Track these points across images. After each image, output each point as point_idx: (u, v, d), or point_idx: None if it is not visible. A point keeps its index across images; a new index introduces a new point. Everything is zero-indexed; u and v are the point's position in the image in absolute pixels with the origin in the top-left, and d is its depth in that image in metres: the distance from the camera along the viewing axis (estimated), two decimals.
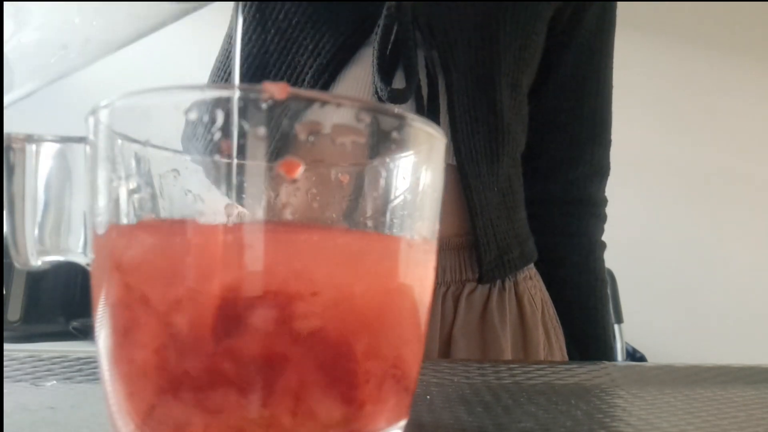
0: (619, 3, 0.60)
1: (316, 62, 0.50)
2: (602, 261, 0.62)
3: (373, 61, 0.48)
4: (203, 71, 0.61)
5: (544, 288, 0.61)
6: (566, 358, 0.61)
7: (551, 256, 0.61)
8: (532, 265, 0.61)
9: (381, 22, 0.48)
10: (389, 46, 0.48)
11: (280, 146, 0.17)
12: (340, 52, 0.50)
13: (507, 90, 0.53)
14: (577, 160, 0.61)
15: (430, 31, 0.49)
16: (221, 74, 0.58)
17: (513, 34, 0.52)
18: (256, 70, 0.54)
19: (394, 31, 0.48)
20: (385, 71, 0.48)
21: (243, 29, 0.55)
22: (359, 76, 0.50)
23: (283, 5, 0.52)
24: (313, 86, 0.50)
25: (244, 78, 0.55)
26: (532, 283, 0.59)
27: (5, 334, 1.08)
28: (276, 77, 0.53)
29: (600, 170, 0.62)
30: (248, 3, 0.54)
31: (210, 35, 0.61)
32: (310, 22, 0.51)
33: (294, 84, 0.51)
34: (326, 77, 0.50)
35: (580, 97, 0.59)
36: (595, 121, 0.60)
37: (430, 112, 0.49)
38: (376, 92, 0.48)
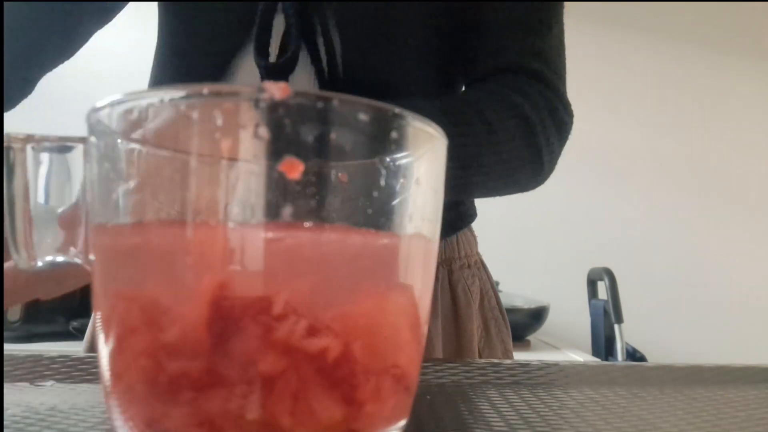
0: (619, 3, 0.59)
1: (210, 56, 0.50)
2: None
3: (253, 39, 0.46)
4: None
5: (487, 277, 0.59)
6: (509, 351, 0.58)
7: None
8: (474, 253, 0.58)
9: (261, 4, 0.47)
10: (272, 19, 0.47)
11: (280, 146, 0.17)
12: (230, 39, 0.49)
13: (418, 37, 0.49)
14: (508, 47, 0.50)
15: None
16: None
17: None
18: (165, 70, 0.55)
19: (277, 6, 0.47)
20: (265, 46, 0.46)
21: (160, 29, 0.56)
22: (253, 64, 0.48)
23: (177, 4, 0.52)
24: (210, 77, 0.49)
25: (156, 80, 0.55)
26: (469, 272, 0.56)
27: (5, 334, 1.07)
28: (180, 76, 0.52)
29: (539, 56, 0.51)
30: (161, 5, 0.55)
31: None
32: (200, 16, 0.50)
33: (192, 78, 0.50)
34: (220, 66, 0.49)
35: None
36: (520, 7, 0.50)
37: (332, 78, 0.47)
38: (259, 72, 0.46)
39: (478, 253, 0.60)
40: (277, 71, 0.46)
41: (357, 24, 0.48)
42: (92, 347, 0.53)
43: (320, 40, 0.47)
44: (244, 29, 0.48)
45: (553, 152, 0.50)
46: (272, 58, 0.47)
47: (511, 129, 0.46)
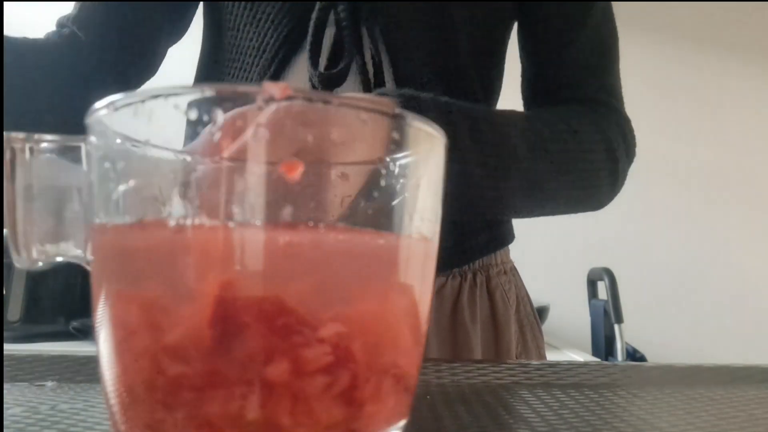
0: (619, 3, 0.59)
1: (261, 59, 0.51)
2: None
3: (307, 49, 0.48)
4: None
5: (521, 284, 0.60)
6: (543, 357, 0.59)
7: None
8: (509, 259, 0.59)
9: (316, 9, 0.48)
10: (324, 31, 0.48)
11: (280, 146, 0.17)
12: (283, 46, 0.50)
13: (467, 52, 0.51)
14: (580, 85, 0.54)
15: (372, 11, 0.49)
16: (200, 73, 0.59)
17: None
18: (211, 68, 0.56)
19: (332, 15, 0.48)
20: (317, 56, 0.48)
21: (204, 29, 0.58)
22: (304, 68, 0.49)
23: (233, 5, 0.52)
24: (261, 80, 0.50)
25: (201, 76, 0.57)
26: (506, 278, 0.57)
27: (5, 334, 1.07)
28: (228, 75, 0.54)
29: (610, 92, 0.56)
30: (208, 4, 0.56)
31: None
32: (254, 21, 0.51)
33: (243, 80, 0.52)
34: (272, 72, 0.50)
35: (574, 28, 0.54)
36: (596, 50, 0.55)
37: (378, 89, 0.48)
38: (310, 80, 0.47)
39: (512, 260, 0.60)
40: (329, 81, 0.47)
41: (407, 43, 0.49)
42: None
43: (368, 53, 0.49)
44: (293, 42, 0.49)
45: (625, 172, 0.55)
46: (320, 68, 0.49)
47: (595, 143, 0.50)
